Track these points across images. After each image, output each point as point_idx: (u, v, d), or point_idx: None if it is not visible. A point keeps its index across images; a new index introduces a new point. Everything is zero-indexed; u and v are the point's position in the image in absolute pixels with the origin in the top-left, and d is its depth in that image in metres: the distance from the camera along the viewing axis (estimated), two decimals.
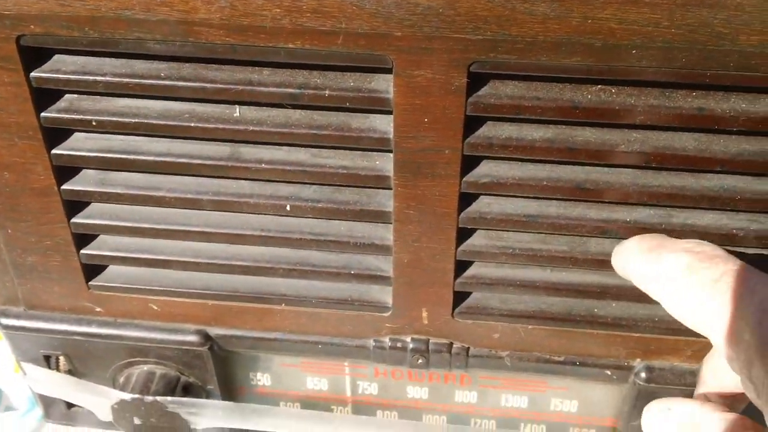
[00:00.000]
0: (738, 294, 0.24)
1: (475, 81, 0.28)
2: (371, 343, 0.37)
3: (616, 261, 0.30)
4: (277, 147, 0.32)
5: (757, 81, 0.27)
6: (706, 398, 0.30)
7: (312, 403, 0.41)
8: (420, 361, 0.36)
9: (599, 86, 0.28)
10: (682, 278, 0.26)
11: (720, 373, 0.29)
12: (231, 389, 0.41)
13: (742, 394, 0.28)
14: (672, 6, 0.25)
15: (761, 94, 0.28)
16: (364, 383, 0.40)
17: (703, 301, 0.25)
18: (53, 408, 0.43)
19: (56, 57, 0.31)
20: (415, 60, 0.28)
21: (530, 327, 0.35)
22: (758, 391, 0.23)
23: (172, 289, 0.36)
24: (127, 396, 0.37)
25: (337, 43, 0.28)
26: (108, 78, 0.30)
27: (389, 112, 0.30)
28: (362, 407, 0.41)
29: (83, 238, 0.35)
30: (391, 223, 0.33)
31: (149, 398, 0.36)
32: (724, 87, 0.28)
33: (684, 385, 0.35)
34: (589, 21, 0.26)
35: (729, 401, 0.29)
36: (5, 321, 0.38)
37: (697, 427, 0.27)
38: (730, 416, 0.27)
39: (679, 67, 0.27)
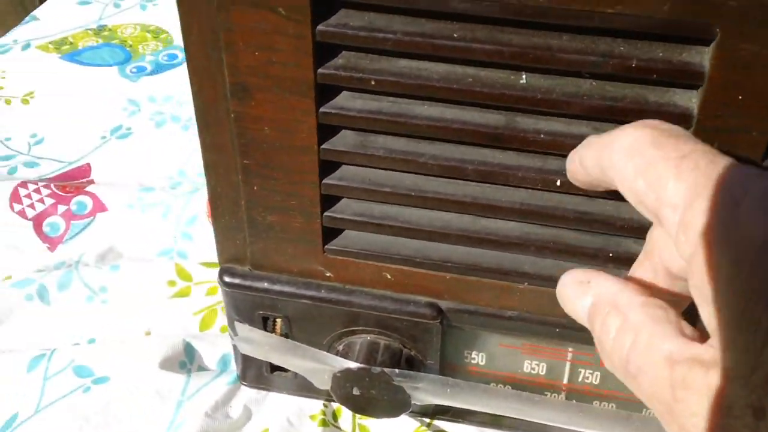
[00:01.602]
0: (705, 176, 0.21)
1: None
2: None
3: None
4: (555, 118, 0.31)
5: None
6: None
7: (523, 387, 0.39)
8: None
9: None
10: (647, 151, 0.23)
11: (664, 254, 0.25)
12: (442, 365, 0.40)
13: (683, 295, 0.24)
14: None
15: None
16: (587, 371, 0.38)
17: (663, 176, 0.22)
18: (250, 371, 0.43)
19: (342, 11, 0.30)
20: (744, 31, 0.26)
21: None
22: (698, 287, 0.20)
23: (410, 258, 0.35)
24: (352, 365, 0.36)
25: (663, 9, 0.26)
26: (398, 36, 0.29)
27: (694, 87, 0.28)
28: (576, 396, 0.39)
29: (328, 200, 0.35)
30: None
31: (377, 369, 0.36)
32: None
33: None
34: None
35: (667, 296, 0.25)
36: (229, 279, 0.38)
37: (617, 313, 0.22)
38: (661, 309, 0.22)
39: None
